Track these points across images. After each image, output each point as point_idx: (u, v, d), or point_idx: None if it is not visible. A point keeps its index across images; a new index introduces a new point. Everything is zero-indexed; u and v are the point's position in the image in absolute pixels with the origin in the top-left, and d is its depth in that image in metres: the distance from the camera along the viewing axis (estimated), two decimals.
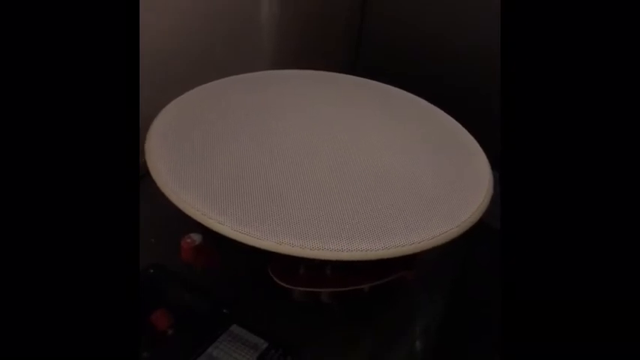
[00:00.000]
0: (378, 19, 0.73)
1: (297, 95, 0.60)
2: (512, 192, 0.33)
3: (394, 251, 0.41)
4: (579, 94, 0.32)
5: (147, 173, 0.47)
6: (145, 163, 0.47)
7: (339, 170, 0.49)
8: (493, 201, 0.77)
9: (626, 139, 0.31)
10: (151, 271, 0.51)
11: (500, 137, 0.33)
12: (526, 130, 0.33)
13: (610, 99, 0.32)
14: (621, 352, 0.30)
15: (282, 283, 0.46)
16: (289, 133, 0.53)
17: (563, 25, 0.33)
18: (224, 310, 0.48)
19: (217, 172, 0.47)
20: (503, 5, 0.33)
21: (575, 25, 0.32)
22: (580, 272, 0.31)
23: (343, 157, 0.50)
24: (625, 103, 0.31)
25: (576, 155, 0.32)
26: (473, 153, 0.55)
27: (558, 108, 0.32)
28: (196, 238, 0.46)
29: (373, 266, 0.47)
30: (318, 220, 0.43)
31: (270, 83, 0.62)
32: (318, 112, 0.57)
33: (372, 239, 0.42)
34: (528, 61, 0.33)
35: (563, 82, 0.32)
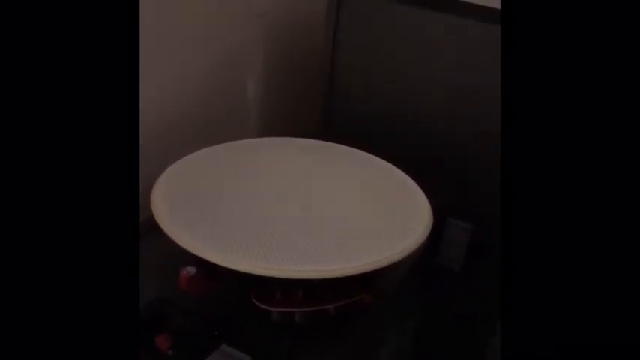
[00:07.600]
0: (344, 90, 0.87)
1: (271, 158, 0.74)
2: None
3: (344, 271, 0.54)
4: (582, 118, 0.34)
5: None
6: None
7: (303, 216, 0.62)
8: (452, 245, 0.89)
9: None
10: (156, 303, 0.62)
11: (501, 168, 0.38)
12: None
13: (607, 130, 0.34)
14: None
15: (263, 305, 0.57)
16: (266, 190, 0.66)
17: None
18: (215, 332, 0.59)
19: (207, 219, 0.60)
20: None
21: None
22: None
23: (307, 207, 0.64)
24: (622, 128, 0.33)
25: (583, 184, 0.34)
26: (416, 198, 0.67)
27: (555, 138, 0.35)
28: (191, 270, 0.58)
29: (335, 289, 0.58)
30: (285, 251, 0.55)
31: (253, 149, 0.76)
32: (289, 171, 0.71)
33: (325, 263, 0.54)
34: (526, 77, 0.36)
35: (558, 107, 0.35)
